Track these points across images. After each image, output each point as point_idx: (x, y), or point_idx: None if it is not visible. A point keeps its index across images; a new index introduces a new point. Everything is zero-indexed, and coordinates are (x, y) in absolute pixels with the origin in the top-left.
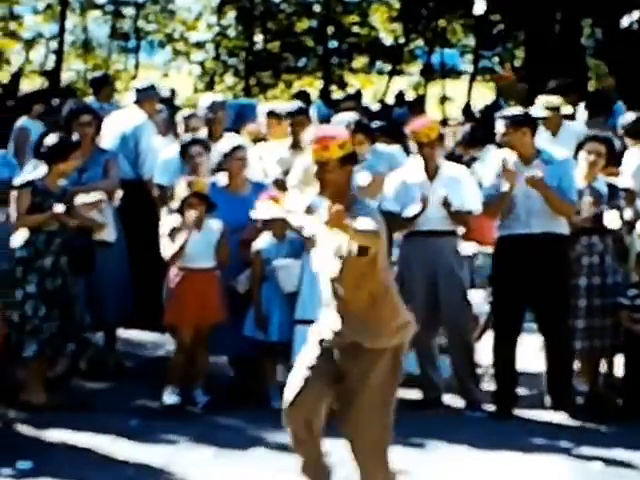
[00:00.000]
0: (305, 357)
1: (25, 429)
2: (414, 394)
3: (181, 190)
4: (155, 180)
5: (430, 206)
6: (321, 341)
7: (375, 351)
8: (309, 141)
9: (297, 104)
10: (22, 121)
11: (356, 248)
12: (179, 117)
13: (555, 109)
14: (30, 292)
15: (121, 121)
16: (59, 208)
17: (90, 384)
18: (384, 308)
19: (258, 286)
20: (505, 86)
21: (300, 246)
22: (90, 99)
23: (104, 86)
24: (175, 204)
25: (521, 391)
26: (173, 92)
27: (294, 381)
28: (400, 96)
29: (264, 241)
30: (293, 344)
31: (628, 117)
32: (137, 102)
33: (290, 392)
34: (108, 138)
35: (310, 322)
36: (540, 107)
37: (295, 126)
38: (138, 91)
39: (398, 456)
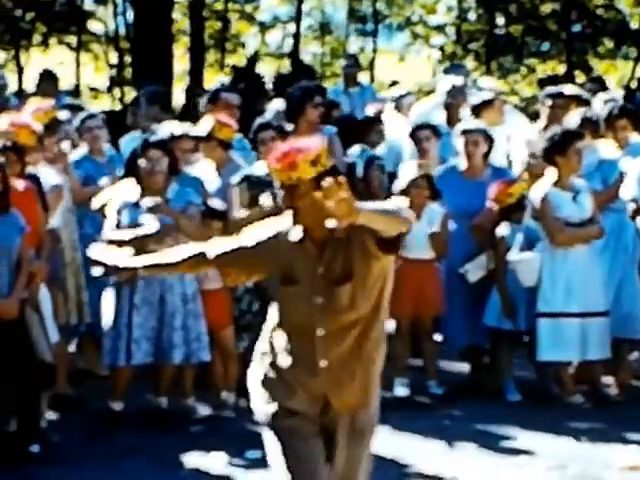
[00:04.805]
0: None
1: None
2: None
3: (409, 171)
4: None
5: None
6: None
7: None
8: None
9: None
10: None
11: (376, 245)
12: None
13: None
14: (248, 286)
15: None
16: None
17: None
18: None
19: (503, 273)
20: None
21: (535, 232)
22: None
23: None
24: (401, 185)
25: None
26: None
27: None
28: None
29: (507, 227)
30: (538, 338)
31: None
32: None
33: None
34: None
35: (553, 315)
36: None
37: (555, 109)
38: None
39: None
